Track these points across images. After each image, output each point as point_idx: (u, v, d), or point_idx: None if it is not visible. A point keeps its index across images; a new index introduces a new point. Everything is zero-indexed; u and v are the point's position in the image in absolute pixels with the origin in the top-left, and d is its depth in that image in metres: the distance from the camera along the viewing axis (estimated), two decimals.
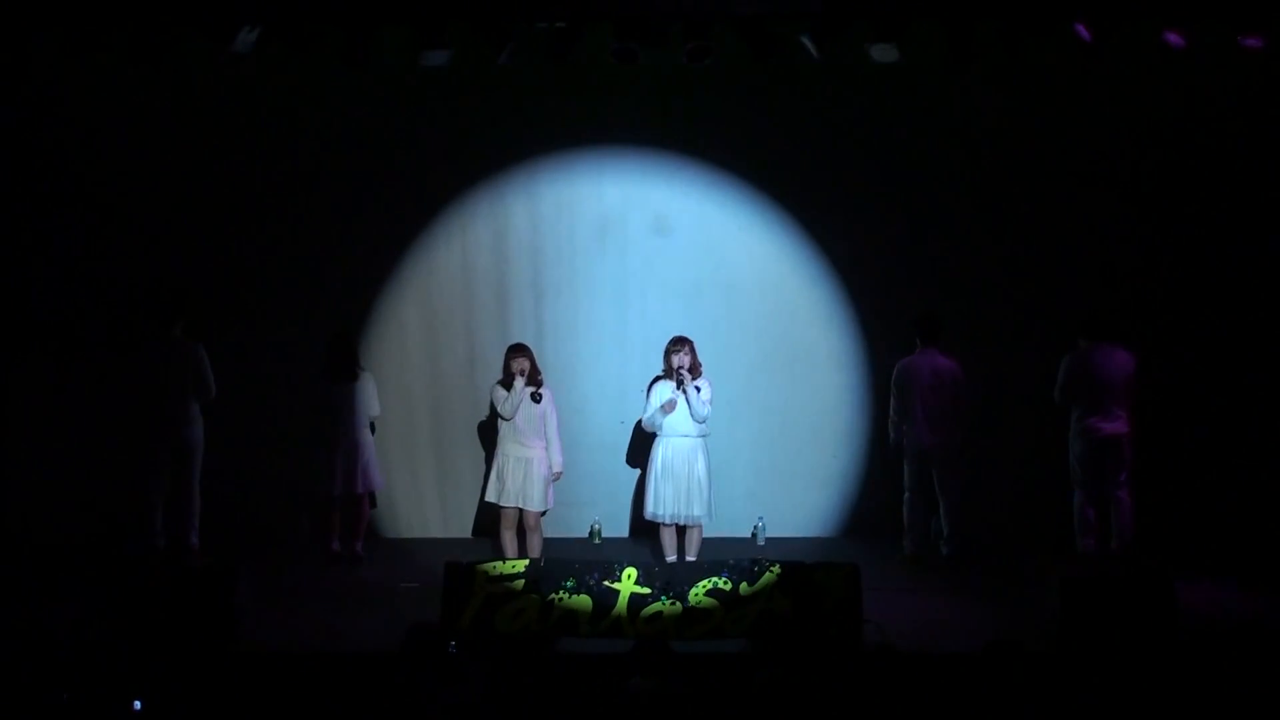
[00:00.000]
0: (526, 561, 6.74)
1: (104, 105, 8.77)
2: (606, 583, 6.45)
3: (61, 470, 8.76)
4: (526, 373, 7.73)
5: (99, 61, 7.83)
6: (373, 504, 8.64)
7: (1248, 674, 5.78)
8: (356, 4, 7.68)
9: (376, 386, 8.38)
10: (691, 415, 7.71)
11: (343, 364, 8.21)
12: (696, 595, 6.41)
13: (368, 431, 8.35)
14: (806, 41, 7.85)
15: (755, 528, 8.86)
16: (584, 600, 6.41)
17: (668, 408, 7.72)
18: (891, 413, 8.35)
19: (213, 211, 8.89)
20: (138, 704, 5.20)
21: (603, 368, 9.03)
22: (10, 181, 8.84)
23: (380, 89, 8.73)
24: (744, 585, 6.43)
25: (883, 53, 7.71)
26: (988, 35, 7.64)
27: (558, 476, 7.86)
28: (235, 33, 7.67)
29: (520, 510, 7.79)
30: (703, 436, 7.79)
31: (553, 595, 6.44)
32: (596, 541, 8.89)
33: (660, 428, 7.79)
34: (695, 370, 7.77)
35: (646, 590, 6.43)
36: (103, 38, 7.65)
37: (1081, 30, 7.49)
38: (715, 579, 6.47)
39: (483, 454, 8.91)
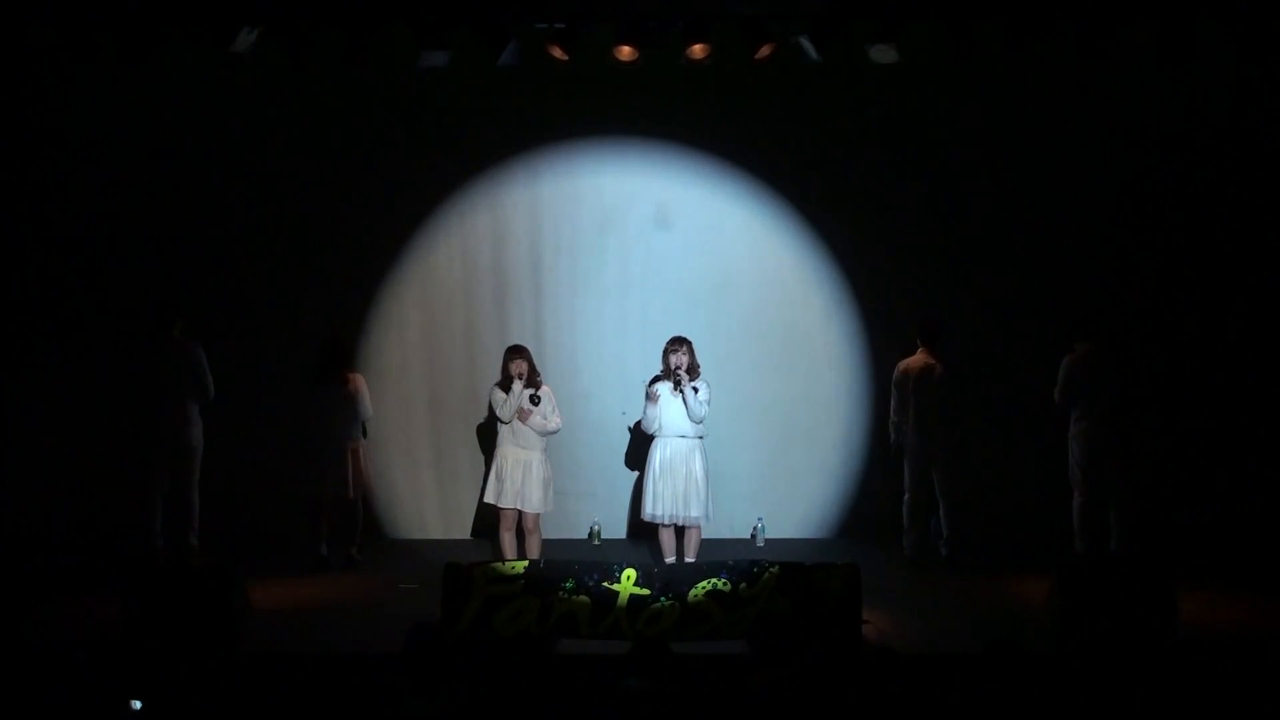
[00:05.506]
0: (526, 563, 6.72)
1: (103, 105, 8.78)
2: (606, 584, 6.43)
3: (61, 470, 8.76)
4: (524, 375, 7.72)
5: (98, 62, 7.83)
6: (366, 508, 8.60)
7: (1246, 676, 5.78)
8: (356, 4, 7.68)
9: (368, 388, 8.36)
10: (689, 416, 7.70)
11: (333, 368, 8.18)
12: (696, 596, 6.40)
13: (360, 435, 8.33)
14: (805, 43, 7.85)
15: (754, 529, 8.86)
16: (583, 601, 6.40)
17: (653, 396, 7.71)
18: (891, 413, 8.35)
19: (212, 211, 8.91)
20: (137, 704, 5.19)
21: (603, 363, 9.04)
22: (9, 181, 8.85)
23: (380, 89, 8.74)
24: (743, 586, 6.42)
25: (882, 53, 7.72)
26: (987, 35, 7.64)
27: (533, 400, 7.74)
28: (235, 33, 7.68)
29: (519, 512, 7.78)
30: (700, 437, 7.79)
31: (552, 596, 6.43)
32: (596, 543, 8.90)
33: (659, 427, 7.78)
34: (693, 371, 7.76)
35: (646, 591, 6.42)
36: (101, 38, 7.65)
37: None
38: (714, 580, 6.46)
39: (482, 454, 8.91)
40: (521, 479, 7.71)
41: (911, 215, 8.93)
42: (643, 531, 8.63)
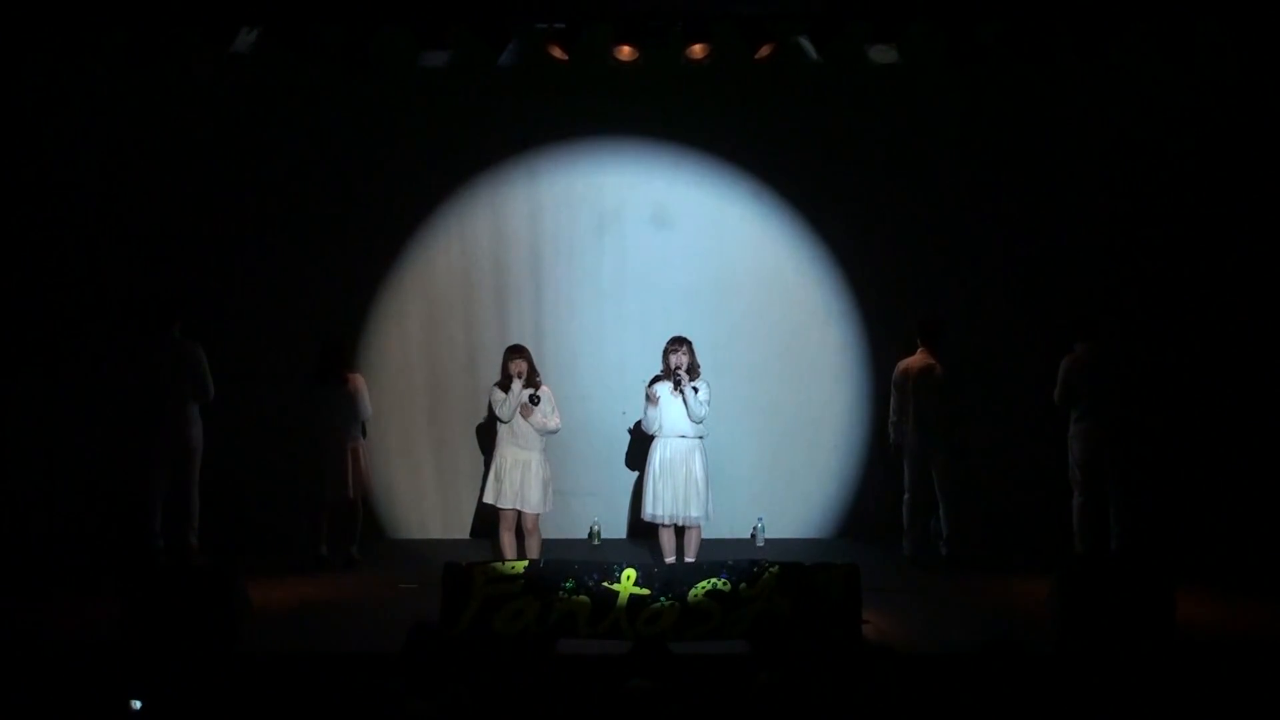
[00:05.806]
0: (525, 563, 6.71)
1: (103, 105, 8.79)
2: (606, 584, 6.42)
3: (61, 470, 8.76)
4: (524, 374, 7.72)
5: (98, 62, 7.83)
6: (366, 508, 8.60)
7: (1246, 676, 5.78)
8: (356, 4, 7.68)
9: (368, 387, 8.35)
10: (689, 416, 7.70)
11: (333, 368, 8.17)
12: (695, 596, 6.39)
13: (360, 435, 8.33)
14: (805, 43, 7.86)
15: (755, 529, 8.86)
16: (583, 601, 6.39)
17: (652, 398, 7.72)
18: (891, 413, 8.36)
19: (212, 211, 8.91)
20: (136, 704, 5.19)
21: (603, 363, 9.04)
22: (9, 181, 8.84)
23: (380, 89, 8.74)
24: (743, 586, 6.41)
25: (881, 54, 7.72)
26: (987, 36, 7.65)
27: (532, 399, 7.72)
28: (235, 33, 7.68)
29: (519, 512, 7.78)
30: (700, 437, 7.79)
31: (552, 596, 6.43)
32: (596, 543, 8.89)
33: (659, 427, 7.78)
34: (693, 371, 7.77)
35: (646, 591, 6.41)
36: (102, 39, 7.66)
37: None
38: (714, 580, 6.45)
39: (482, 454, 8.91)
40: (521, 479, 7.71)
41: (911, 215, 8.93)
42: (643, 531, 8.63)
